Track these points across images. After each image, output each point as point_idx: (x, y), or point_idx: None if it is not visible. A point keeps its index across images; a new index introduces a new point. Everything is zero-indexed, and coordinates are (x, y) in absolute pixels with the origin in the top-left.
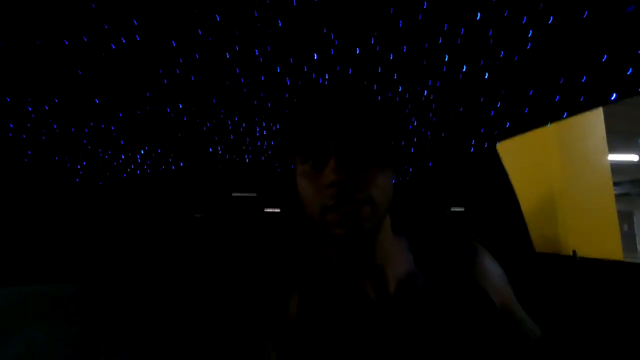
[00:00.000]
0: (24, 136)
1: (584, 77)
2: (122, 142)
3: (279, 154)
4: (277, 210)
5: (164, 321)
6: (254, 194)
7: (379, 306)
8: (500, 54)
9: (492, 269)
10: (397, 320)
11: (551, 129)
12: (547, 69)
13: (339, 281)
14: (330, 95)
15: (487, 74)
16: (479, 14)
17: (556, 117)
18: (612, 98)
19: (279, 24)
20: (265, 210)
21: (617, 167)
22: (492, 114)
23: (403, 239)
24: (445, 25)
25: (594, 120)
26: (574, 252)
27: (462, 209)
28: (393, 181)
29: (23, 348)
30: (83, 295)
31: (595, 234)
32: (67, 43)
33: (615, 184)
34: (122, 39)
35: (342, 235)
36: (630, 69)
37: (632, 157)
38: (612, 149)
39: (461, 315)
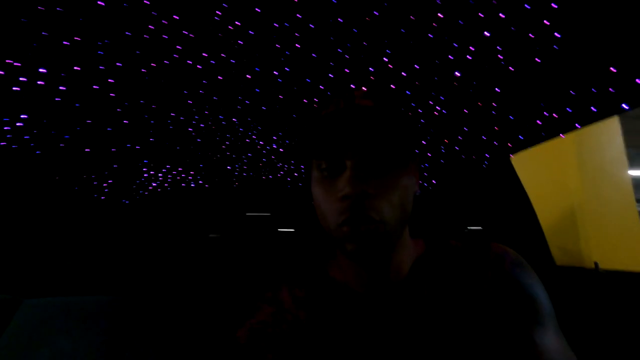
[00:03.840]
0: (56, 157)
1: (594, 88)
2: (145, 161)
3: (295, 157)
4: (291, 230)
5: (183, 332)
6: (268, 214)
7: (391, 321)
8: (510, 67)
9: (522, 281)
10: (408, 335)
11: (568, 144)
12: (556, 82)
13: (351, 293)
14: (348, 115)
15: (497, 89)
16: (487, 32)
17: (568, 128)
18: (627, 108)
19: (296, 45)
20: (279, 230)
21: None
22: (502, 127)
23: (420, 244)
24: (455, 44)
25: (611, 132)
26: (596, 264)
27: (480, 228)
28: (417, 192)
29: (52, 359)
30: (108, 307)
31: (619, 246)
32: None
33: None
34: (149, 65)
35: (353, 251)
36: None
37: None
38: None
39: (472, 336)
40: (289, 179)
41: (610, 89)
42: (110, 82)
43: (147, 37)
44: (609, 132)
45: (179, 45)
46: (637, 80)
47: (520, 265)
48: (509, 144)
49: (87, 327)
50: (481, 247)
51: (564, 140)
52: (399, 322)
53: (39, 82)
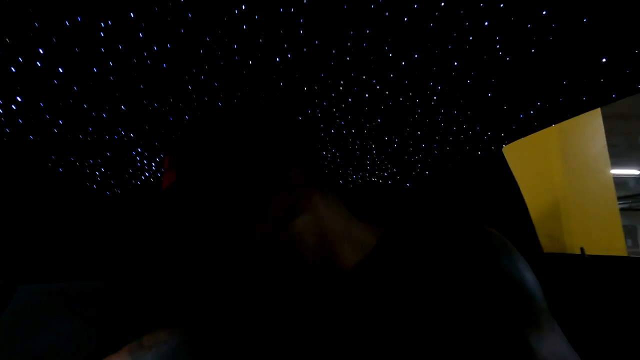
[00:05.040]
0: (49, 143)
1: (585, 78)
2: (139, 150)
3: None
4: None
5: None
6: None
7: (325, 319)
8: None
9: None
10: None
11: (552, 141)
12: (549, 71)
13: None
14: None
15: (492, 79)
16: (486, 22)
17: (560, 118)
18: (613, 96)
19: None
20: None
21: (620, 181)
22: (497, 116)
23: (378, 233)
24: (455, 33)
25: (594, 130)
26: (582, 249)
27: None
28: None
29: (49, 343)
30: (105, 293)
31: (599, 235)
32: (103, 51)
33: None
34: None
35: None
36: (628, 70)
37: (633, 172)
38: (614, 164)
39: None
40: None
41: (601, 80)
42: (110, 65)
43: (149, 20)
44: (592, 129)
45: (182, 29)
46: (627, 70)
47: (506, 251)
48: (501, 134)
49: (85, 313)
50: (457, 231)
51: (549, 137)
52: (334, 319)
53: (37, 63)
